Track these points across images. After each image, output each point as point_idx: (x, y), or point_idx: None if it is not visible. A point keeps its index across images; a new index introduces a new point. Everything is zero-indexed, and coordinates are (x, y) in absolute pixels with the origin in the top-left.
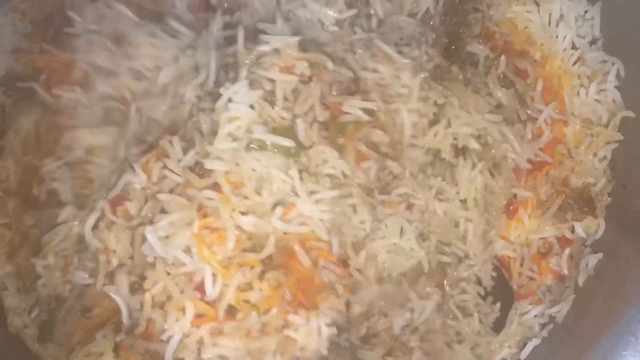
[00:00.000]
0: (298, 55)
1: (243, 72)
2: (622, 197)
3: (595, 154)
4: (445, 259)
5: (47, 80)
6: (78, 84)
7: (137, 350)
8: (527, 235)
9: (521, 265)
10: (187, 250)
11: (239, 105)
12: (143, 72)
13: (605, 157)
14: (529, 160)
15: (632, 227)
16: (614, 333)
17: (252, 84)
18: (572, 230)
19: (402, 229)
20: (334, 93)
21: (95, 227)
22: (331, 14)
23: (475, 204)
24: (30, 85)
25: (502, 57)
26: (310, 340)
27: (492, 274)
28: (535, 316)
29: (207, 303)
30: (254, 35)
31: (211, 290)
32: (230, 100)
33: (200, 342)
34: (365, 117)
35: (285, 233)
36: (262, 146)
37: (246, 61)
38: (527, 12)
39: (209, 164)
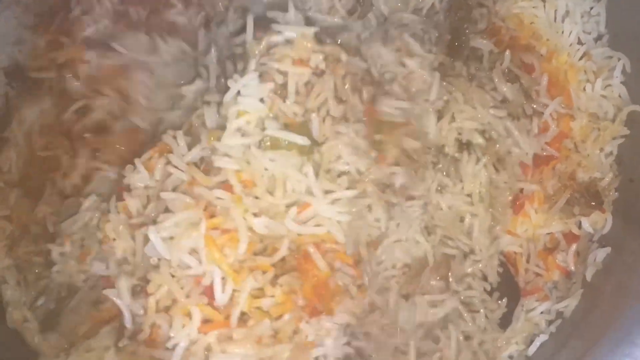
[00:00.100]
0: (314, 47)
1: (252, 64)
2: (629, 192)
3: (602, 149)
4: (449, 250)
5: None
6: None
7: (141, 358)
8: (533, 230)
9: (527, 261)
10: (194, 253)
11: (249, 98)
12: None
13: (611, 153)
14: (536, 155)
15: (639, 222)
16: (622, 327)
17: (262, 77)
18: (579, 225)
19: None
20: (347, 86)
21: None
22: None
23: (480, 199)
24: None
25: (507, 52)
26: (326, 346)
27: (498, 269)
28: (541, 313)
29: (215, 308)
30: (264, 25)
31: (221, 295)
32: (239, 93)
33: (208, 349)
34: (400, 119)
35: (299, 235)
36: (275, 143)
37: (256, 52)
38: (533, 7)
39: (218, 162)
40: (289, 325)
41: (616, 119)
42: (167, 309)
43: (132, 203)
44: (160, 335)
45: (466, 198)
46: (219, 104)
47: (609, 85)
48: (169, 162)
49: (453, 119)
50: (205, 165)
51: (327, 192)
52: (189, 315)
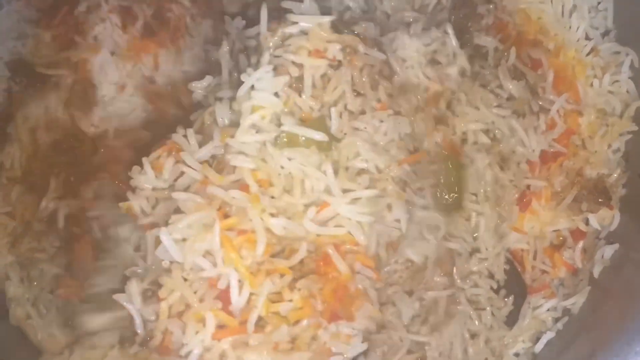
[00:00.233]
0: (330, 38)
1: (266, 56)
2: (637, 189)
3: (609, 145)
4: (453, 245)
5: None
6: None
7: None
8: (540, 227)
9: (534, 258)
10: (208, 255)
11: (263, 93)
12: None
13: (619, 149)
14: (543, 151)
15: None
16: (633, 324)
17: (277, 70)
18: (586, 222)
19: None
20: (365, 79)
21: None
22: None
23: (485, 198)
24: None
25: (512, 49)
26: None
27: (505, 267)
28: (548, 310)
29: (230, 313)
30: (278, 15)
31: (237, 299)
32: (253, 87)
33: (223, 356)
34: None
35: (318, 235)
36: (291, 140)
37: (270, 44)
38: (540, 2)
39: (233, 160)
40: (308, 332)
41: (624, 114)
42: (180, 315)
43: (137, 204)
44: (173, 342)
45: (471, 197)
46: (232, 99)
47: (617, 80)
48: (179, 161)
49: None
50: (217, 164)
51: (345, 191)
52: (202, 321)
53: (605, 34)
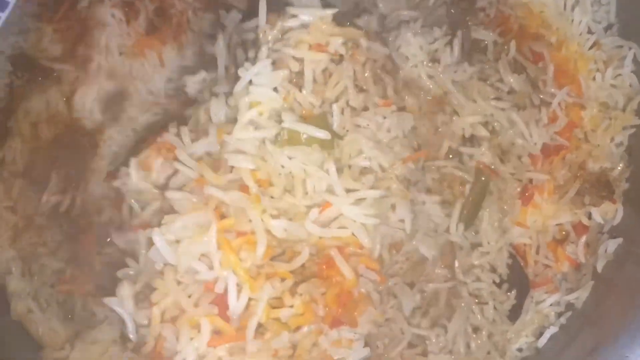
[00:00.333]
0: (333, 31)
1: (264, 50)
2: None
3: (612, 139)
4: (454, 238)
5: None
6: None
7: None
8: (543, 221)
9: (537, 252)
10: (203, 258)
11: (261, 88)
12: None
13: (622, 143)
14: (546, 144)
15: None
16: (633, 320)
17: (276, 64)
18: (589, 216)
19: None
20: (367, 74)
21: None
22: None
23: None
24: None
25: (512, 42)
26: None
27: (507, 261)
28: (551, 305)
29: (226, 320)
30: (277, 8)
31: (235, 304)
32: (250, 82)
33: None
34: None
35: (320, 238)
36: (292, 138)
37: (269, 37)
38: None
39: (232, 160)
40: (309, 338)
41: (627, 108)
42: (174, 320)
43: (125, 205)
44: (166, 348)
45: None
46: (229, 95)
47: (620, 74)
48: (174, 159)
49: (456, 113)
50: (213, 162)
51: (349, 190)
52: (197, 327)
53: (608, 27)
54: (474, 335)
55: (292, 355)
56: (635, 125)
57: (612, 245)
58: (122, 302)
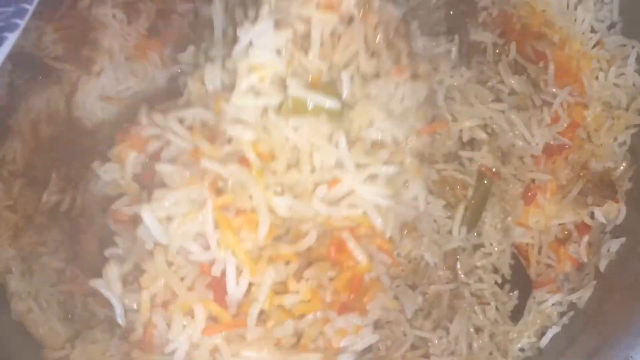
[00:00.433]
0: None
1: (266, 9)
2: None
3: (615, 138)
4: (457, 242)
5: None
6: None
7: None
8: (545, 221)
9: (539, 252)
10: (198, 237)
11: (262, 50)
12: None
13: (625, 142)
14: (548, 144)
15: None
16: (636, 319)
17: (279, 25)
18: (592, 216)
19: None
20: (379, 38)
21: None
22: None
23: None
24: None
25: (513, 43)
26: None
27: (510, 262)
28: (553, 305)
29: (224, 305)
30: None
31: (234, 289)
32: (250, 44)
33: (215, 351)
34: None
35: (328, 217)
36: (298, 107)
37: None
38: None
39: (231, 130)
40: (315, 327)
41: (630, 107)
42: (165, 305)
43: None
44: (157, 336)
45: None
46: (226, 58)
47: (623, 73)
48: (142, 152)
49: (454, 118)
50: (209, 132)
51: (359, 166)
52: (190, 313)
53: (611, 26)
54: (476, 336)
55: (295, 344)
56: (638, 124)
57: (614, 244)
58: (109, 283)
